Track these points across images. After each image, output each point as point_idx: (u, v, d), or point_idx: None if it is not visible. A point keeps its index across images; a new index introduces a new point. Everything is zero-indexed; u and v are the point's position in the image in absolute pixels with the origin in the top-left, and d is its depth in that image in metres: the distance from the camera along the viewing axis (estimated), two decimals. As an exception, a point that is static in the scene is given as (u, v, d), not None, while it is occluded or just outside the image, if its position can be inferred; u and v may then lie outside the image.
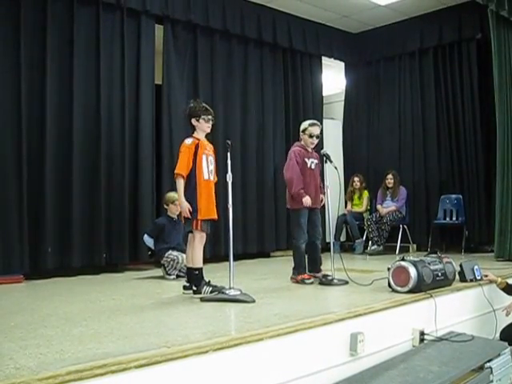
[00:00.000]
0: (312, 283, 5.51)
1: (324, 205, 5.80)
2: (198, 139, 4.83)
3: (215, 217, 4.85)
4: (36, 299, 4.95)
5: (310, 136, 5.70)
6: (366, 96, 9.92)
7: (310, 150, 5.77)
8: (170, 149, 7.34)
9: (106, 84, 6.84)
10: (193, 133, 4.92)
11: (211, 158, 4.88)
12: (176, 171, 4.74)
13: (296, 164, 5.63)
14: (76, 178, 6.51)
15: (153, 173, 7.25)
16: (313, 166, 5.74)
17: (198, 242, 4.77)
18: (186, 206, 4.67)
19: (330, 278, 5.50)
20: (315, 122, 5.87)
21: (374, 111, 9.79)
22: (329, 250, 5.75)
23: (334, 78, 10.39)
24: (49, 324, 3.70)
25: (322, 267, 5.77)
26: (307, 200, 5.55)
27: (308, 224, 5.67)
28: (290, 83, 9.10)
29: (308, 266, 5.71)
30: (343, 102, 10.24)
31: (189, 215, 4.68)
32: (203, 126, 4.88)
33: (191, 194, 4.72)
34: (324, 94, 9.80)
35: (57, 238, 6.36)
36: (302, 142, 5.78)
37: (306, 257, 5.72)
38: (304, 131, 5.74)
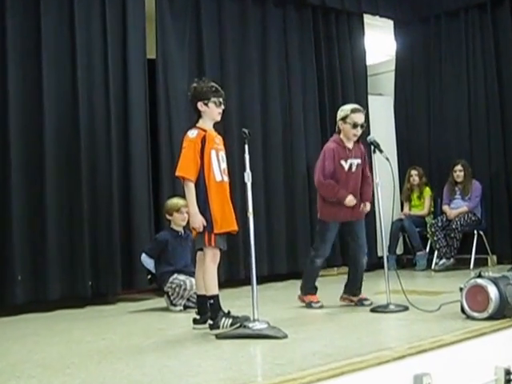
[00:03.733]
0: (321, 307, 5.70)
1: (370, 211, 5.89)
2: (205, 130, 4.84)
3: (235, 228, 4.86)
4: (4, 342, 4.99)
5: (354, 126, 5.72)
6: (424, 64, 9.89)
7: (350, 146, 5.79)
8: (169, 142, 7.41)
9: (83, 61, 6.88)
10: (197, 121, 4.95)
11: (223, 154, 4.90)
12: (179, 173, 4.75)
13: (323, 169, 5.68)
14: (50, 184, 6.55)
15: (148, 174, 7.29)
16: (353, 169, 5.78)
17: (211, 261, 4.77)
18: (201, 221, 4.68)
19: (368, 302, 5.71)
20: (358, 106, 5.90)
21: (435, 83, 9.74)
22: (382, 267, 5.76)
23: (380, 42, 10.37)
24: (22, 373, 3.73)
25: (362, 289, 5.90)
26: (351, 200, 5.63)
27: (348, 235, 5.88)
28: (324, 51, 9.10)
29: (345, 287, 5.90)
30: (394, 73, 10.23)
31: (201, 230, 4.72)
32: (213, 112, 4.90)
33: (202, 202, 4.73)
34: (368, 63, 9.80)
35: (28, 262, 6.40)
36: (341, 135, 5.80)
37: (346, 276, 5.94)
38: (344, 119, 5.75)
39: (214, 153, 4.79)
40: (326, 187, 5.70)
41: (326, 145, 5.89)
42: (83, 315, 6.28)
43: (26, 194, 6.48)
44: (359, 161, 5.81)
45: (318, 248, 5.84)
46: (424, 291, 6.48)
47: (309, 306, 5.78)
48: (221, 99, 4.92)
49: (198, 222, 4.68)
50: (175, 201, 6.36)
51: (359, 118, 5.75)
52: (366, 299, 5.78)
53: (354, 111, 5.76)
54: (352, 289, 5.85)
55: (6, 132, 6.37)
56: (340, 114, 5.81)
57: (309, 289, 5.87)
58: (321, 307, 5.75)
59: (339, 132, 5.83)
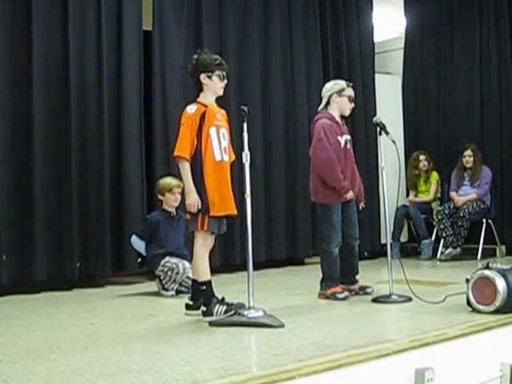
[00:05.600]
0: (346, 298, 5.60)
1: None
2: (205, 105, 4.82)
3: (234, 212, 4.88)
4: (-13, 325, 5.01)
5: (351, 100, 5.78)
6: (435, 42, 9.85)
7: (341, 122, 5.82)
8: (164, 118, 7.39)
9: (75, 32, 6.84)
10: (198, 95, 4.92)
11: (224, 131, 4.88)
12: (176, 152, 4.74)
13: (328, 145, 5.63)
14: (37, 160, 6.53)
15: (141, 151, 7.27)
16: (348, 145, 5.80)
17: (202, 245, 4.78)
18: (196, 200, 4.68)
19: (370, 290, 5.73)
20: (347, 81, 5.97)
21: (446, 63, 9.70)
22: (385, 255, 5.76)
23: (389, 18, 10.33)
24: (5, 358, 3.74)
25: (358, 277, 5.89)
26: (351, 194, 5.64)
27: (341, 220, 5.75)
28: (329, 27, 9.05)
29: (341, 276, 5.80)
30: (403, 51, 10.19)
31: (195, 211, 4.71)
32: (216, 86, 4.88)
33: (198, 183, 4.73)
34: (376, 39, 9.76)
35: (14, 242, 6.40)
36: (331, 111, 5.80)
37: (339, 264, 5.82)
38: (340, 93, 5.77)
39: (213, 130, 4.78)
40: (332, 166, 5.59)
41: (319, 122, 5.77)
42: (70, 298, 6.28)
43: (11, 170, 6.45)
44: (349, 137, 5.86)
45: (329, 236, 5.66)
46: (428, 281, 6.49)
47: (333, 297, 5.56)
48: (224, 73, 4.91)
49: (194, 200, 4.67)
50: (168, 180, 6.33)
51: (352, 92, 5.84)
52: (367, 287, 5.78)
53: (348, 85, 5.82)
54: (349, 276, 5.83)
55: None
56: (334, 87, 5.81)
57: (332, 281, 5.66)
58: (346, 298, 5.58)
59: (326, 107, 5.85)
